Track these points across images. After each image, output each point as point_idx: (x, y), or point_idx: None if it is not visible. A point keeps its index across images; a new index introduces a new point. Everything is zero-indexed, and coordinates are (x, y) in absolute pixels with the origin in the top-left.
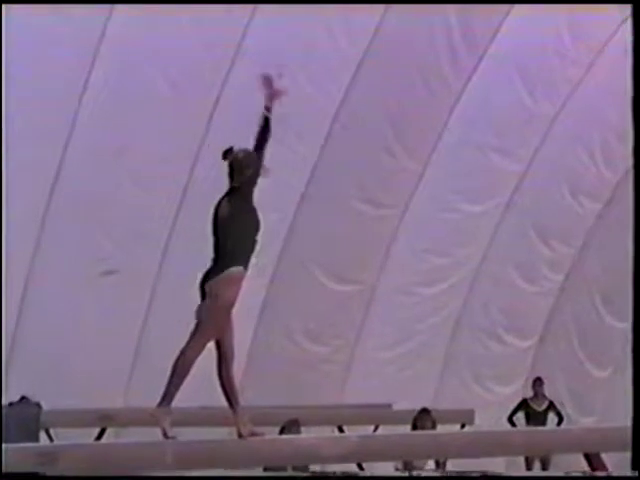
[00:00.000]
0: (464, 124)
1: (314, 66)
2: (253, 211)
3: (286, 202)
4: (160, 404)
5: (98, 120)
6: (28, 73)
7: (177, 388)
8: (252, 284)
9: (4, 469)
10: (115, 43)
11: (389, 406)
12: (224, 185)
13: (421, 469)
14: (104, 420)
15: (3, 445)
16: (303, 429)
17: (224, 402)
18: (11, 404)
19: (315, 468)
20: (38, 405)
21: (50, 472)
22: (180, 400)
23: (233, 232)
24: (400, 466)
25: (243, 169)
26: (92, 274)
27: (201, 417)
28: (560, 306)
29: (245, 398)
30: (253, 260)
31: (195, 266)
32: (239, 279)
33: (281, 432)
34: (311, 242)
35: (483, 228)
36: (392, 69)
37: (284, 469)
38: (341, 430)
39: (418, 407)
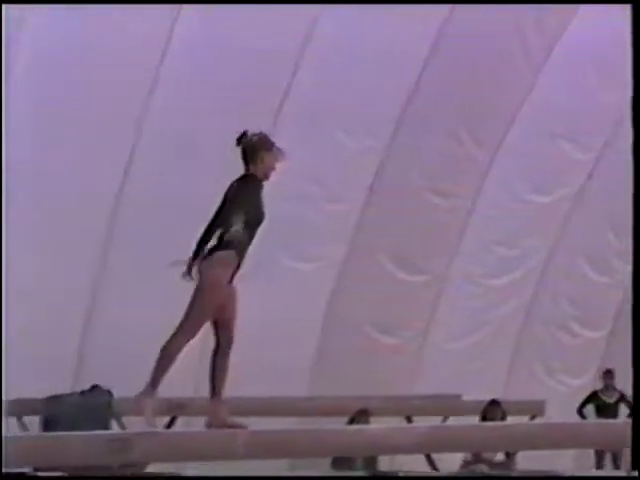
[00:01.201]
0: (534, 114)
1: (383, 57)
2: (260, 202)
3: (355, 193)
4: (144, 390)
5: (167, 119)
6: (100, 73)
7: (163, 374)
8: (321, 275)
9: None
10: (184, 41)
11: (458, 397)
12: (293, 171)
13: (490, 461)
14: (175, 409)
15: (75, 433)
16: (372, 419)
17: (290, 392)
18: (82, 392)
19: (384, 459)
20: (109, 393)
21: (123, 460)
22: (248, 391)
23: (235, 220)
24: (469, 457)
25: (256, 154)
26: (160, 267)
27: (268, 407)
28: (630, 298)
29: (315, 388)
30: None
31: (264, 256)
32: (228, 263)
33: (350, 422)
34: (380, 233)
35: (553, 219)
36: (462, 59)
37: (353, 460)
38: (410, 420)
39: (487, 398)
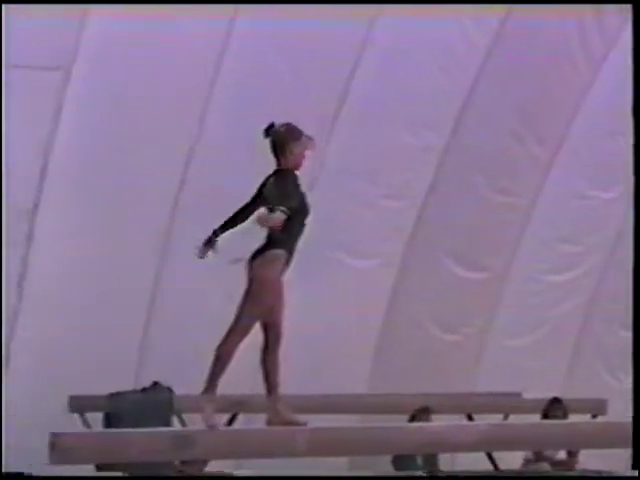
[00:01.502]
0: (594, 110)
1: (442, 54)
2: (301, 195)
3: (414, 190)
4: (204, 392)
5: (227, 115)
6: (162, 72)
7: (220, 374)
8: (381, 273)
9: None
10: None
11: (519, 395)
12: (352, 169)
13: (552, 459)
14: (235, 406)
15: (137, 430)
16: (433, 417)
17: (351, 390)
18: (144, 389)
19: (445, 456)
20: (170, 390)
21: (185, 457)
22: (311, 388)
23: (295, 212)
24: (531, 456)
25: (285, 146)
26: (219, 264)
27: (328, 404)
28: None
29: (375, 386)
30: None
31: (322, 253)
32: (279, 261)
33: (411, 420)
34: (440, 230)
35: (614, 215)
36: (522, 56)
37: (414, 458)
38: (471, 418)
39: (549, 396)
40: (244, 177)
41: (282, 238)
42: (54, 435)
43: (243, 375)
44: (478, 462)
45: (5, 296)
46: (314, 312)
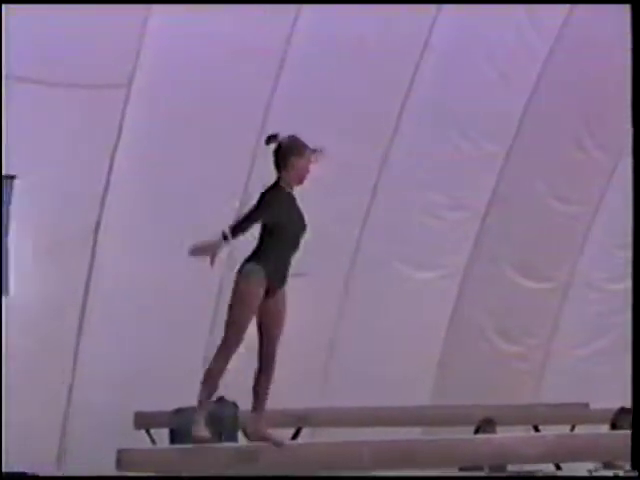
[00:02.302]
0: None
1: (503, 60)
2: (290, 211)
3: (476, 200)
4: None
5: (288, 121)
6: (222, 81)
7: (209, 397)
8: (443, 283)
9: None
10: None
11: (586, 405)
12: (415, 180)
13: (622, 469)
14: (300, 420)
15: (203, 445)
16: (498, 428)
17: (414, 402)
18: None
19: (513, 468)
20: (235, 405)
21: (249, 472)
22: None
23: (271, 231)
24: (599, 466)
25: (287, 160)
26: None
27: (392, 417)
28: None
29: (438, 398)
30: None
31: (384, 264)
32: (254, 277)
33: (476, 431)
34: (502, 240)
35: None
36: (582, 62)
37: (480, 469)
38: (537, 430)
39: (616, 406)
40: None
41: (261, 253)
42: (121, 451)
43: (307, 389)
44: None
45: (70, 312)
46: (377, 323)
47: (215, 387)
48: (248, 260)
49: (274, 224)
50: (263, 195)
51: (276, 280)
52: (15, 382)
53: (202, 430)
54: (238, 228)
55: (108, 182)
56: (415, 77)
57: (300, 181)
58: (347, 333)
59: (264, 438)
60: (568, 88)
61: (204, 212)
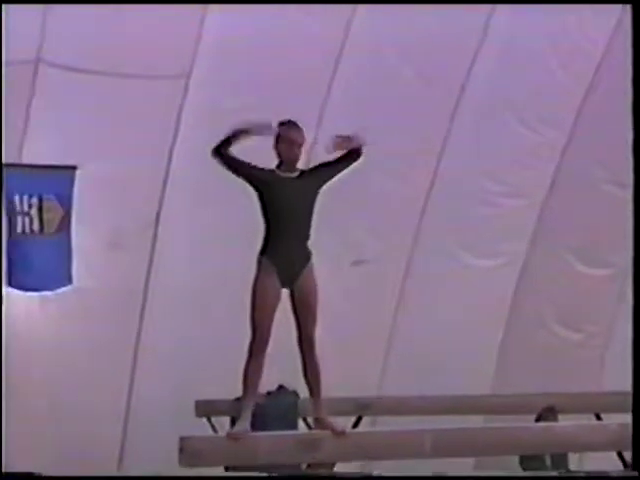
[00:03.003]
0: None
1: (563, 49)
2: (279, 197)
3: (535, 187)
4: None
5: (344, 114)
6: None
7: (251, 396)
8: (503, 272)
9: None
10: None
11: None
12: (474, 168)
13: None
14: (361, 409)
15: (264, 433)
16: (560, 417)
17: (474, 390)
18: (269, 393)
19: (574, 457)
20: (295, 394)
21: (311, 459)
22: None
23: (266, 217)
24: None
25: (275, 149)
26: (343, 265)
27: (452, 405)
28: None
29: (499, 386)
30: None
31: (444, 253)
32: (263, 267)
33: (537, 420)
34: (562, 227)
35: None
36: None
37: (542, 458)
38: (599, 418)
39: None
40: (354, 175)
41: (266, 243)
42: (183, 439)
43: (369, 378)
44: (608, 461)
45: (131, 302)
46: (437, 312)
47: (254, 385)
48: (260, 252)
49: (267, 208)
50: (270, 181)
51: (288, 267)
52: (77, 373)
53: (242, 428)
54: (224, 145)
55: (168, 173)
56: (474, 65)
57: (291, 164)
58: (407, 321)
59: (325, 425)
60: (629, 75)
61: None
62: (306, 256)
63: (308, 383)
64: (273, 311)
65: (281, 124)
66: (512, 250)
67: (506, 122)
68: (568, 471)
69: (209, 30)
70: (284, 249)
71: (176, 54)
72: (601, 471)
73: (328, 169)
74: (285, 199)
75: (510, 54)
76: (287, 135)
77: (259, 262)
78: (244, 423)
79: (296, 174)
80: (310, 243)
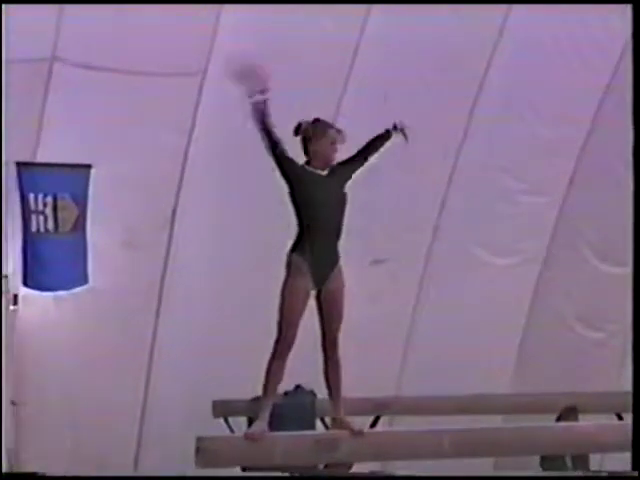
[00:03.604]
0: None
1: (583, 46)
2: (312, 194)
3: (555, 185)
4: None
5: (360, 113)
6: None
7: (271, 394)
8: (523, 269)
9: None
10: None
11: None
12: (493, 165)
13: None
14: (379, 408)
15: (282, 433)
16: (580, 416)
17: (493, 389)
18: (286, 393)
19: (595, 457)
20: (313, 393)
21: (329, 460)
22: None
23: (301, 215)
24: None
25: (309, 145)
26: (362, 265)
27: (471, 405)
28: None
29: (519, 385)
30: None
31: (463, 251)
32: (293, 267)
33: (558, 420)
34: (583, 225)
35: None
36: None
37: (563, 458)
38: (620, 418)
39: None
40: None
41: (300, 242)
42: (200, 439)
43: (386, 378)
44: (629, 462)
45: (148, 300)
46: (456, 311)
47: (274, 385)
48: (291, 250)
49: (299, 205)
50: (300, 179)
51: (320, 267)
52: (92, 373)
53: (259, 428)
54: (267, 126)
55: (183, 170)
56: (491, 62)
57: (326, 163)
58: (425, 320)
59: (343, 425)
60: None
61: (278, 197)
62: (337, 257)
63: (328, 384)
64: (302, 313)
65: (320, 121)
66: (532, 248)
67: (525, 119)
68: (589, 472)
69: (224, 27)
70: (318, 249)
71: (192, 51)
72: (600, 471)
73: (352, 164)
74: (320, 197)
75: (528, 51)
76: (332, 134)
77: (290, 261)
78: (262, 423)
79: (326, 172)
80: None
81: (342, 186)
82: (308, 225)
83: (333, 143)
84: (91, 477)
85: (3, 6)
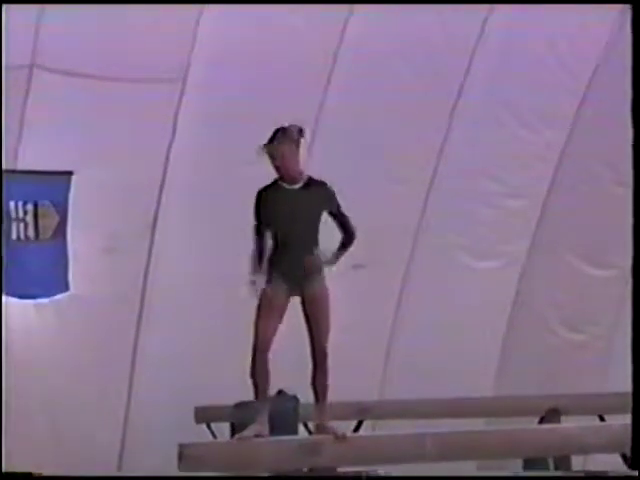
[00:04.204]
0: None
1: (561, 47)
2: (272, 206)
3: (536, 188)
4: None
5: (341, 117)
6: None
7: (263, 392)
8: (504, 273)
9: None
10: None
11: None
12: (473, 168)
13: None
14: (361, 413)
15: (264, 439)
16: (563, 418)
17: (476, 393)
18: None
19: (577, 459)
20: (295, 398)
21: (312, 464)
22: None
23: (270, 231)
24: None
25: (272, 159)
26: (343, 268)
27: (454, 408)
28: None
29: (501, 388)
30: None
31: (444, 254)
32: (270, 277)
33: (540, 422)
34: (564, 227)
35: None
36: None
37: (545, 460)
38: (603, 419)
39: None
40: (353, 179)
41: (272, 256)
42: (182, 446)
43: (368, 382)
44: (612, 462)
45: (129, 307)
46: (438, 314)
47: (263, 385)
48: (267, 259)
49: (265, 225)
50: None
51: (293, 276)
52: (76, 378)
53: (258, 431)
54: (255, 233)
55: (164, 176)
56: (472, 65)
57: (287, 174)
58: (408, 324)
59: (326, 431)
60: (628, 73)
61: None
62: (313, 264)
63: (315, 389)
64: (279, 316)
65: (271, 139)
66: (513, 251)
67: (506, 122)
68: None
69: (204, 33)
70: (289, 260)
71: (171, 58)
72: (601, 471)
73: (331, 214)
74: (282, 210)
75: (509, 53)
76: (272, 149)
77: (267, 274)
78: (259, 427)
79: (299, 185)
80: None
81: (316, 203)
82: (277, 238)
83: (283, 157)
84: (91, 477)
85: (3, 7)
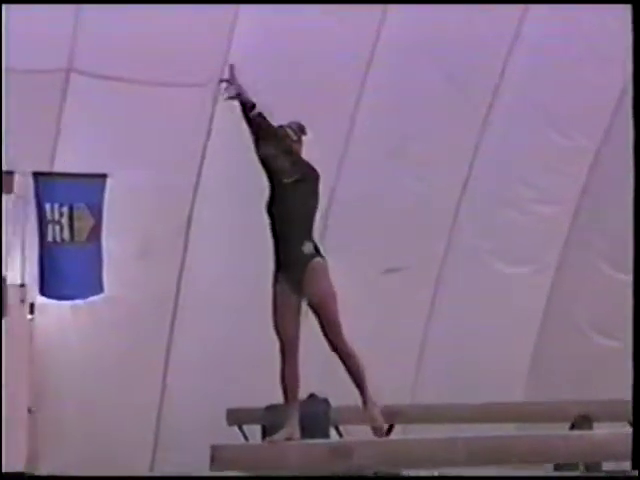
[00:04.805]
0: None
1: (599, 54)
2: (282, 199)
3: (568, 193)
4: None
5: (375, 119)
6: (310, 76)
7: (289, 398)
8: (536, 278)
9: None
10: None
11: None
12: (506, 174)
13: None
14: (393, 417)
15: (295, 441)
16: (594, 425)
17: (507, 398)
18: (300, 401)
19: (608, 466)
20: (327, 402)
21: (343, 467)
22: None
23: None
24: None
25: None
26: (375, 273)
27: (485, 413)
28: None
29: (532, 394)
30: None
31: (476, 260)
32: (276, 279)
33: (571, 428)
34: (596, 233)
35: None
36: None
37: (576, 466)
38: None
39: None
40: (385, 182)
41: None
42: (214, 447)
43: (400, 386)
44: None
45: (163, 310)
46: (470, 319)
47: (293, 388)
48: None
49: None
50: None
51: (289, 274)
52: (109, 381)
53: (288, 434)
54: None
55: (198, 180)
56: (506, 69)
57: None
58: (439, 329)
59: (368, 417)
60: None
61: None
62: (304, 260)
63: (351, 377)
64: (295, 316)
65: (302, 127)
66: (545, 257)
67: (538, 127)
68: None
69: (239, 37)
70: (281, 256)
71: (206, 61)
72: (600, 471)
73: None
74: (282, 205)
75: (542, 58)
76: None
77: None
78: (291, 430)
79: (292, 179)
80: (309, 246)
81: (300, 188)
82: (274, 232)
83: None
84: (90, 477)
85: (4, 7)
